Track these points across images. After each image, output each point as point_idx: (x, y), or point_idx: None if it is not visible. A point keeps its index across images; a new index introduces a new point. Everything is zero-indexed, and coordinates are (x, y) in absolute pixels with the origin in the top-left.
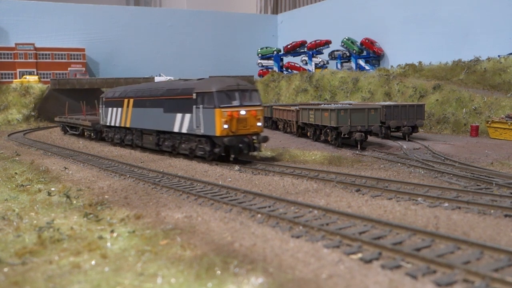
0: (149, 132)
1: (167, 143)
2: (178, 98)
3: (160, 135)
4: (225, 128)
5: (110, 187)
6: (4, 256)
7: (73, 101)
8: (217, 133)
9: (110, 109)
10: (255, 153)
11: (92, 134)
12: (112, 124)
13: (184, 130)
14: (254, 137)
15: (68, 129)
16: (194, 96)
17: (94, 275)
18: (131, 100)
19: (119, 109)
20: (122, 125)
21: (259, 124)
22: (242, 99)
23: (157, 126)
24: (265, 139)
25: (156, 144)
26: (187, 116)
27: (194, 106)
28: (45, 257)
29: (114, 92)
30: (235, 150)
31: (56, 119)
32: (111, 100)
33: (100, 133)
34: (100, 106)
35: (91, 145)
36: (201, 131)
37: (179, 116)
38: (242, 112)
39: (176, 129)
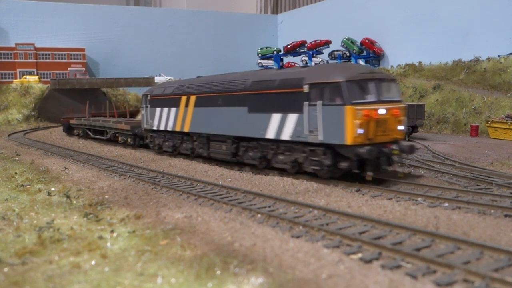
0: (221, 139)
1: (251, 154)
2: (275, 93)
3: (240, 142)
4: (360, 134)
5: (110, 187)
6: (4, 256)
7: (73, 101)
8: (348, 141)
9: (158, 109)
10: (397, 169)
11: (130, 140)
12: (162, 128)
13: (285, 137)
14: (394, 146)
15: (90, 133)
16: (305, 89)
17: (94, 275)
18: (192, 98)
19: (173, 109)
20: (177, 129)
21: (400, 127)
22: (379, 93)
23: (236, 131)
24: (411, 149)
25: (233, 155)
26: (292, 117)
27: (307, 103)
28: (45, 257)
29: (164, 88)
30: (373, 165)
31: (74, 122)
32: (161, 98)
33: (141, 139)
34: (143, 106)
35: (91, 145)
36: (319, 137)
37: (276, 117)
38: (382, 111)
39: (270, 135)
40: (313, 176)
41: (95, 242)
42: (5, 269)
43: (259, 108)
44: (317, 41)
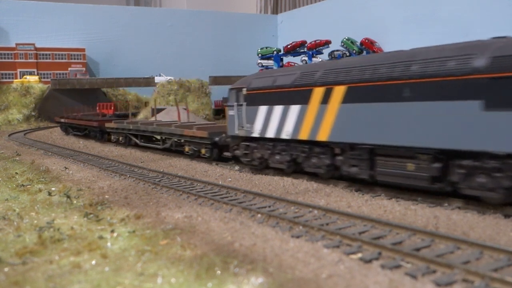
0: (405, 153)
1: (484, 181)
2: None
3: (453, 160)
4: None
5: (110, 187)
6: (5, 256)
7: (73, 101)
8: None
9: (263, 108)
10: None
11: (204, 151)
12: (270, 134)
13: None
14: None
15: (136, 139)
16: None
17: (94, 275)
18: (338, 90)
19: (294, 107)
20: (303, 136)
21: None
22: None
23: (446, 141)
24: None
25: (433, 180)
26: None
27: None
28: (45, 257)
29: (273, 78)
30: None
31: (111, 125)
32: (268, 92)
33: (220, 150)
34: (232, 104)
35: (91, 145)
36: None
37: None
38: None
39: None
40: (312, 175)
41: (95, 242)
42: (6, 269)
43: None
44: (317, 41)
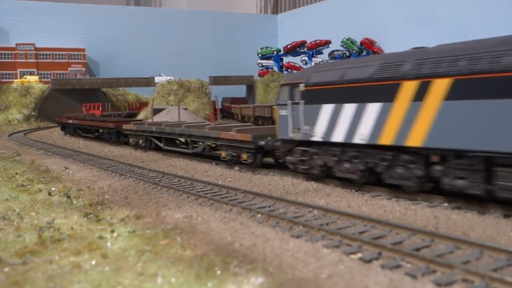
0: None
1: None
2: None
3: None
4: None
5: (110, 187)
6: (5, 256)
7: (73, 101)
8: None
9: (328, 107)
10: None
11: (246, 156)
12: (337, 138)
13: None
14: None
15: (158, 142)
16: None
17: (94, 275)
18: (439, 84)
19: (373, 106)
20: (386, 141)
21: None
22: None
23: None
24: None
25: None
26: None
27: None
28: (45, 257)
29: (341, 71)
30: None
31: (129, 127)
32: (335, 87)
33: (262, 155)
34: (284, 102)
35: (91, 145)
36: None
37: None
38: None
39: None
40: (312, 175)
41: (95, 242)
42: (6, 269)
43: None
44: (317, 41)
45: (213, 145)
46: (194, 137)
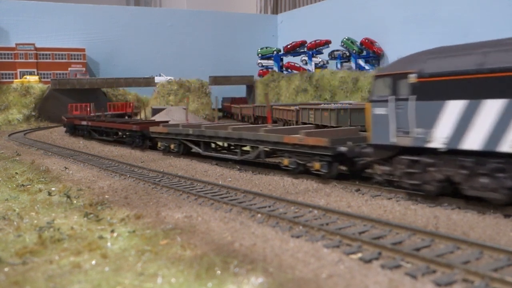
0: None
1: None
2: None
3: None
4: None
5: (110, 187)
6: (5, 256)
7: (73, 101)
8: None
9: (454, 104)
10: None
11: (319, 165)
12: (471, 145)
13: None
14: None
15: (197, 148)
16: None
17: (94, 275)
18: None
19: None
20: None
21: None
22: None
23: None
24: None
25: None
26: None
27: None
28: (45, 257)
29: (479, 56)
30: None
31: (158, 130)
32: (466, 78)
33: (339, 163)
34: (383, 98)
35: (91, 145)
36: None
37: None
38: None
39: None
40: (313, 175)
41: (95, 242)
42: (6, 269)
43: None
44: (317, 41)
45: (272, 150)
46: (245, 141)
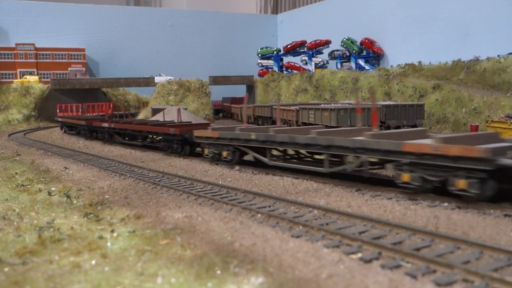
0: None
1: None
2: None
3: None
4: None
5: (110, 187)
6: (5, 256)
7: (73, 101)
8: None
9: None
10: None
11: (465, 184)
12: None
13: None
14: None
15: (258, 155)
16: None
17: (94, 274)
18: None
19: None
20: None
21: None
22: None
23: None
24: None
25: None
26: None
27: None
28: (45, 257)
29: None
30: None
31: (200, 133)
32: None
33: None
34: None
35: (91, 145)
36: None
37: None
38: None
39: None
40: (313, 175)
41: (95, 242)
42: (6, 269)
43: None
44: (317, 41)
45: (379, 161)
46: (337, 150)
